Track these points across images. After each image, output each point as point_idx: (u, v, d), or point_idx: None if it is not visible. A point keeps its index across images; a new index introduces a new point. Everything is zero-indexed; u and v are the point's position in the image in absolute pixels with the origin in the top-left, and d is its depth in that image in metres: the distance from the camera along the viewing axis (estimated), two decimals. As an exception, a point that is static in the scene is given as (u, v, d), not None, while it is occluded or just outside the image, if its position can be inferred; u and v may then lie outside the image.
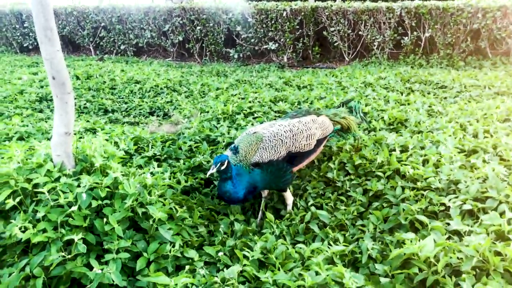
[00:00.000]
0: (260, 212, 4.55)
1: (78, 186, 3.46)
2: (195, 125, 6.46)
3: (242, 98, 8.55)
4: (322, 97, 8.46)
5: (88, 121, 7.60)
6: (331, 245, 3.60)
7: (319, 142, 4.50)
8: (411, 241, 3.16)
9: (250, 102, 7.98)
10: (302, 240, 3.88)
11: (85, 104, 9.13)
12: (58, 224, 3.21)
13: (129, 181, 3.59)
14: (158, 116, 8.77)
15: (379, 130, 6.28)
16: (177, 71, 13.73)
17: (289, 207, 4.38)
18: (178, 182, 4.66)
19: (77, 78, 11.74)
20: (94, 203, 3.35)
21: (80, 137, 6.03)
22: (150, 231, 3.47)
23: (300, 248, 3.53)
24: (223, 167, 3.83)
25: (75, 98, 9.39)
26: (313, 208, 4.23)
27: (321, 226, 4.06)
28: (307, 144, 4.29)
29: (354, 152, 5.13)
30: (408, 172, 4.30)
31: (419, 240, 3.23)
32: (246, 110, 7.26)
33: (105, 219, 3.30)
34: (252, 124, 6.62)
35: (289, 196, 4.37)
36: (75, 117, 8.03)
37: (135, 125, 7.98)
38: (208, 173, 3.89)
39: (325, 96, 8.46)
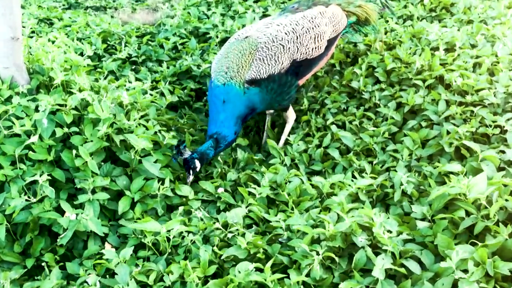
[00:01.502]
0: (265, 133, 4.46)
1: (36, 109, 3.31)
2: (179, 13, 6.09)
3: (239, -27, 7.99)
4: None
5: (40, 7, 7.16)
6: (355, 177, 3.57)
7: (330, 42, 4.22)
8: (457, 176, 3.10)
9: (249, -22, 7.45)
10: (319, 169, 3.86)
11: (33, -19, 8.55)
12: (16, 158, 3.13)
13: (100, 101, 3.43)
14: (130, -3, 8.30)
15: (418, 18, 5.94)
16: None
17: (289, 125, 4.26)
18: (162, 94, 4.50)
19: None
20: (59, 131, 3.24)
21: (33, 32, 5.72)
22: (132, 164, 3.41)
23: (318, 182, 3.50)
24: (198, 168, 3.55)
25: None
26: (333, 128, 4.15)
27: (344, 151, 4.00)
28: (316, 48, 4.03)
29: (386, 52, 4.89)
30: (455, 82, 4.12)
31: (465, 174, 3.18)
32: (245, -9, 6.83)
33: (74, 151, 3.21)
34: (253, 11, 6.26)
35: (291, 114, 4.25)
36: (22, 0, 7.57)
37: (101, 11, 7.56)
38: (188, 181, 3.57)
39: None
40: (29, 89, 3.45)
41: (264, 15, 6.20)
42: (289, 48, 3.87)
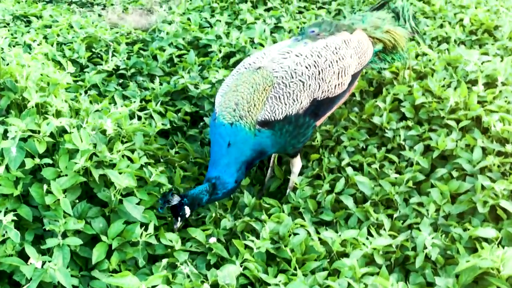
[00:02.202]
0: (270, 170, 4.48)
1: (5, 134, 3.34)
2: (178, 19, 6.16)
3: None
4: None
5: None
6: (371, 234, 3.57)
7: (353, 77, 4.24)
8: (491, 244, 3.11)
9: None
10: (329, 219, 3.86)
11: (11, -33, 8.67)
12: (-23, 191, 3.16)
13: (79, 128, 3.46)
14: (122, -6, 8.41)
15: (455, 42, 6.00)
16: None
17: (295, 176, 4.27)
18: (152, 117, 4.54)
19: None
20: (29, 162, 3.26)
21: (8, 31, 5.78)
22: (112, 204, 3.42)
23: (328, 237, 3.50)
24: (188, 214, 3.61)
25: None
26: (349, 170, 4.16)
27: (359, 199, 4.02)
28: (339, 84, 4.03)
29: (415, 83, 4.92)
30: (494, 126, 4.15)
31: (500, 241, 3.19)
32: (255, -5, 6.93)
33: (45, 186, 3.23)
34: (264, 21, 6.32)
35: (297, 162, 4.26)
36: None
37: (87, 7, 7.66)
38: (175, 228, 3.65)
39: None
40: (-2, 110, 3.50)
41: (276, 27, 6.28)
42: (309, 85, 3.87)
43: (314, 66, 3.94)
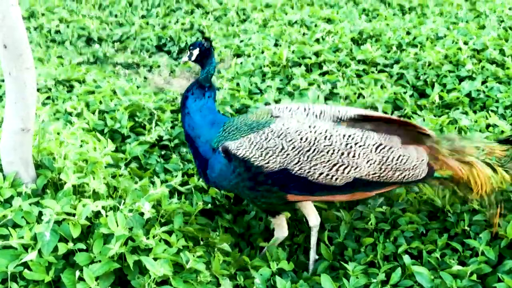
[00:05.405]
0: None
1: (39, 215, 3.58)
2: (227, 85, 6.44)
3: (305, 34, 8.36)
4: (440, 36, 8.12)
5: (60, 59, 7.75)
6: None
7: (363, 183, 4.07)
8: None
9: (317, 41, 7.81)
10: (383, 316, 3.89)
11: (57, 26, 9.28)
12: (8, 276, 3.37)
13: (116, 211, 3.67)
14: (169, 53, 8.84)
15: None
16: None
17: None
18: (192, 193, 4.73)
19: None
20: (62, 248, 3.47)
21: (48, 98, 6.18)
22: (146, 292, 3.58)
23: None
24: (192, 58, 4.33)
25: (42, 15, 9.56)
26: (406, 258, 4.17)
27: (417, 292, 4.03)
28: (326, 175, 3.97)
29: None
30: None
31: None
32: (310, 59, 7.14)
33: (77, 272, 3.41)
34: (318, 87, 6.52)
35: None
36: (42, 49, 8.24)
37: (132, 69, 8.09)
38: (182, 60, 4.42)
39: (445, 34, 8.10)
40: (34, 189, 3.76)
41: (331, 93, 6.44)
42: (287, 154, 3.95)
43: (310, 142, 3.97)
